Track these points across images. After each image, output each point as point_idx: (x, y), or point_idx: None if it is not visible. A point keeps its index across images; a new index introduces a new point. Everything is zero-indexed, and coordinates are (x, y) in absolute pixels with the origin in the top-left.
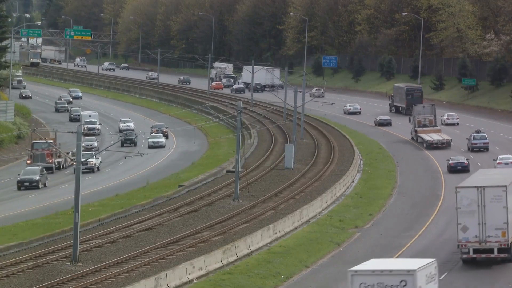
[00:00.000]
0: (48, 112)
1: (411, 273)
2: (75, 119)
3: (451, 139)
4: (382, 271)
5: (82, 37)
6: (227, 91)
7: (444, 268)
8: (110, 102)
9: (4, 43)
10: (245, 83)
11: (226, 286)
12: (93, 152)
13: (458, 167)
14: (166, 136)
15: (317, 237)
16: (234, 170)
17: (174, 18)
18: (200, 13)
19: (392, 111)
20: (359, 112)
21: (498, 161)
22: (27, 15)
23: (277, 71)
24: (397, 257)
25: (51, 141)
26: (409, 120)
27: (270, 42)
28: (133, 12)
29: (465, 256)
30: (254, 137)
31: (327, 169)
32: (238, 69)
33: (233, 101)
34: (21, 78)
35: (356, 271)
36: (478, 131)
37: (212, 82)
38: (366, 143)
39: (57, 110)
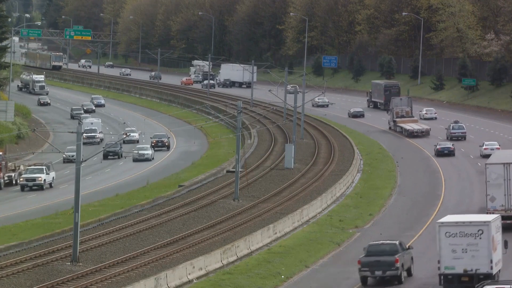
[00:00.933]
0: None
1: (486, 223)
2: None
3: (429, 128)
4: (463, 222)
5: (82, 37)
6: (197, 86)
7: None
8: (110, 102)
9: (4, 43)
10: (225, 80)
11: (226, 286)
12: (43, 167)
13: (445, 151)
14: (168, 147)
15: (317, 237)
16: (234, 170)
17: (174, 18)
18: (200, 13)
19: (370, 106)
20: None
21: (484, 146)
22: (27, 15)
23: (254, 68)
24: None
25: (0, 153)
26: (387, 112)
27: (270, 42)
28: (133, 12)
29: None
30: (254, 137)
31: (327, 169)
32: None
33: (233, 101)
34: (43, 84)
35: (442, 222)
36: (456, 122)
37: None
38: (366, 143)
39: (72, 117)
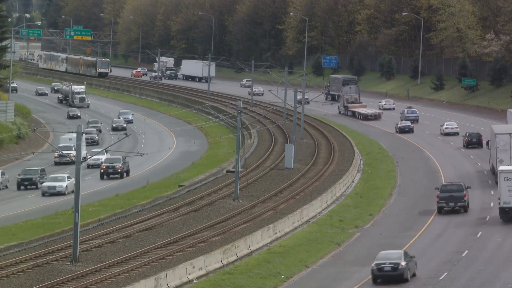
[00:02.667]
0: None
1: None
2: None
3: (381, 112)
4: None
5: (82, 37)
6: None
7: (444, 268)
8: (110, 102)
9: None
10: (183, 75)
11: (226, 286)
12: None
13: (406, 129)
14: (121, 174)
15: (317, 237)
16: (234, 170)
17: (174, 18)
18: (200, 13)
19: (328, 99)
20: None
21: (445, 126)
22: (27, 15)
23: (213, 64)
24: None
25: None
26: (337, 99)
27: (270, 42)
28: (133, 12)
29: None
30: (254, 137)
31: (327, 169)
32: (238, 69)
33: (233, 101)
34: (84, 95)
35: (502, 170)
36: (410, 107)
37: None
38: (366, 143)
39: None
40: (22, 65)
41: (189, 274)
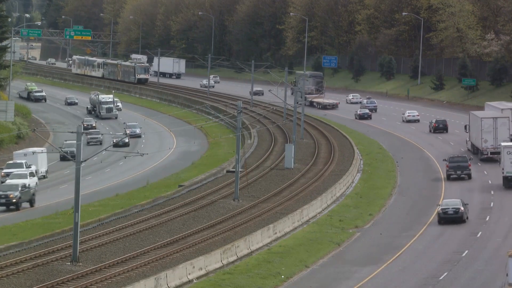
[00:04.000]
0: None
1: None
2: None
3: (338, 102)
4: None
5: (82, 37)
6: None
7: (444, 268)
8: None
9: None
10: (155, 72)
11: (226, 286)
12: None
13: (365, 116)
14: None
15: (317, 237)
16: (234, 170)
17: (174, 18)
18: (200, 13)
19: (299, 103)
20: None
21: (407, 114)
22: (27, 15)
23: (182, 62)
24: (397, 257)
25: None
26: (292, 90)
27: (270, 42)
28: (133, 12)
29: (484, 156)
30: (254, 137)
31: (327, 169)
32: (238, 69)
33: (233, 101)
34: (111, 106)
35: (505, 146)
36: (369, 98)
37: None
38: (366, 143)
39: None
40: (22, 65)
41: (189, 274)
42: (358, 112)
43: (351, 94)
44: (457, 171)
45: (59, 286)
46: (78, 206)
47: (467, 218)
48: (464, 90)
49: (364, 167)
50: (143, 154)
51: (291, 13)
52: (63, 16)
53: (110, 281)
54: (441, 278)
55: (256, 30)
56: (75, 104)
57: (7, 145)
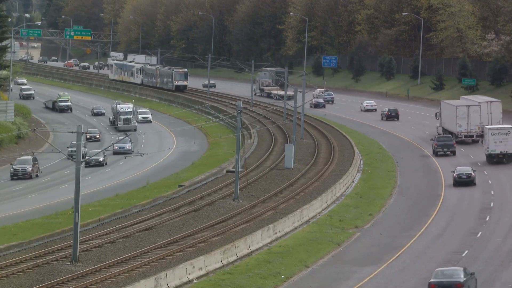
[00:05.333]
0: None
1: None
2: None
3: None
4: (501, 128)
5: (82, 37)
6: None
7: None
8: (110, 102)
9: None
10: None
11: (226, 286)
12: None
13: (320, 106)
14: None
15: (317, 237)
16: (234, 170)
17: (174, 18)
18: (200, 13)
19: (257, 94)
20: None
21: (365, 104)
22: (27, 15)
23: (154, 58)
24: (397, 257)
25: None
26: (254, 82)
27: (270, 42)
28: (133, 12)
29: (459, 139)
30: (254, 137)
31: (327, 169)
32: (238, 69)
33: (233, 101)
34: (130, 116)
35: (489, 128)
36: (327, 90)
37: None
38: (366, 143)
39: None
40: (22, 65)
41: (189, 274)
42: (313, 102)
43: (318, 89)
44: (444, 149)
45: (59, 286)
46: (78, 206)
47: (475, 183)
48: (464, 90)
49: (364, 167)
50: (143, 154)
51: (291, 13)
52: (63, 16)
53: (110, 281)
54: None
55: (256, 30)
56: (102, 114)
57: (7, 145)
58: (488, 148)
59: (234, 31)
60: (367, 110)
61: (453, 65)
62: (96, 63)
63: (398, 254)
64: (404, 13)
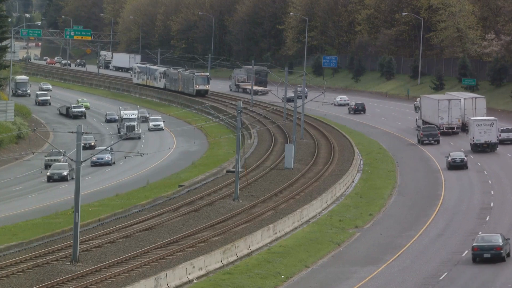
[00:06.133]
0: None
1: (495, 120)
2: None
3: (270, 89)
4: (485, 119)
5: (82, 37)
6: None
7: (444, 268)
8: (110, 102)
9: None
10: (114, 66)
11: (226, 286)
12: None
13: (292, 99)
14: None
15: (317, 237)
16: (234, 170)
17: (174, 18)
18: (200, 13)
19: (233, 90)
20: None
21: (338, 99)
22: (27, 15)
23: (138, 57)
24: (397, 257)
25: None
26: (230, 78)
27: (270, 42)
28: (133, 12)
29: (441, 130)
30: (254, 137)
31: (327, 169)
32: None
33: (233, 101)
34: (134, 123)
35: (474, 119)
36: (300, 86)
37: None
38: (366, 143)
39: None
40: (22, 64)
41: (189, 274)
42: (287, 96)
43: (298, 86)
44: (429, 138)
45: (59, 286)
46: (78, 206)
47: (467, 167)
48: (464, 90)
49: (364, 167)
50: (143, 154)
51: (291, 13)
52: (63, 16)
53: (110, 281)
54: (441, 278)
55: (256, 30)
56: (116, 121)
57: (7, 145)
58: (473, 138)
59: (234, 31)
60: (340, 105)
61: (453, 65)
62: (78, 60)
63: (398, 254)
64: (404, 13)
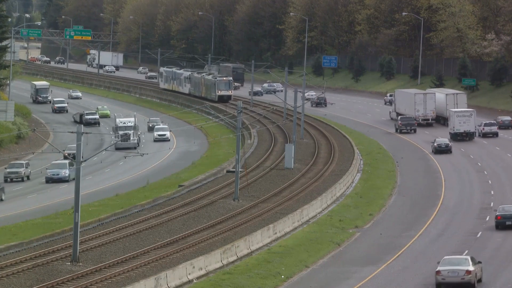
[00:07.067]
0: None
1: (473, 111)
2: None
3: (240, 85)
4: (464, 110)
5: (82, 37)
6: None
7: None
8: (110, 102)
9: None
10: (97, 64)
11: (226, 286)
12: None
13: (258, 94)
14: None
15: (317, 237)
16: (234, 170)
17: (174, 18)
18: (200, 13)
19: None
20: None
21: (306, 95)
22: (27, 15)
23: (120, 55)
24: (397, 257)
25: None
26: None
27: (270, 42)
28: (133, 12)
29: (417, 121)
30: (254, 137)
31: (327, 169)
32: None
33: (233, 101)
34: (130, 131)
35: (454, 111)
36: (271, 83)
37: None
38: (366, 143)
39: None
40: (22, 64)
41: (189, 274)
42: (267, 87)
43: (271, 83)
44: (407, 127)
45: (59, 286)
46: (78, 206)
47: (451, 151)
48: (464, 90)
49: (364, 167)
50: (143, 154)
51: (291, 13)
52: (63, 16)
53: (110, 281)
54: None
55: (256, 30)
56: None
57: (7, 145)
58: (454, 127)
59: (234, 31)
60: (307, 99)
61: (453, 65)
62: (57, 58)
63: (398, 254)
64: (404, 13)
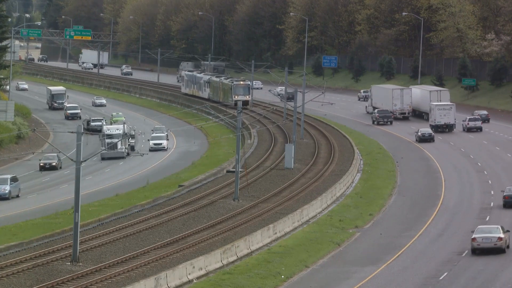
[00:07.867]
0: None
1: (453, 104)
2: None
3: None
4: (444, 104)
5: (82, 37)
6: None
7: (444, 268)
8: (110, 102)
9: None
10: (83, 62)
11: (226, 286)
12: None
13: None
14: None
15: (317, 237)
16: (234, 170)
17: (174, 18)
18: (200, 13)
19: (180, 81)
20: None
21: (278, 89)
22: (27, 15)
23: (106, 54)
24: (397, 257)
25: None
26: (177, 71)
27: (270, 42)
28: (133, 12)
29: (394, 115)
30: (254, 137)
31: (327, 169)
32: (239, 68)
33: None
34: (119, 139)
35: (436, 105)
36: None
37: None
38: (366, 143)
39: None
40: (22, 64)
41: (189, 274)
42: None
43: (255, 82)
44: (384, 119)
45: (59, 286)
46: (78, 206)
47: (434, 140)
48: (464, 90)
49: (364, 167)
50: (143, 154)
51: (291, 13)
52: (63, 16)
53: (110, 281)
54: (441, 278)
55: (256, 30)
56: (131, 136)
57: (7, 145)
58: (435, 120)
59: (234, 31)
60: (279, 95)
61: (453, 65)
62: (40, 56)
63: (398, 254)
64: (404, 13)
